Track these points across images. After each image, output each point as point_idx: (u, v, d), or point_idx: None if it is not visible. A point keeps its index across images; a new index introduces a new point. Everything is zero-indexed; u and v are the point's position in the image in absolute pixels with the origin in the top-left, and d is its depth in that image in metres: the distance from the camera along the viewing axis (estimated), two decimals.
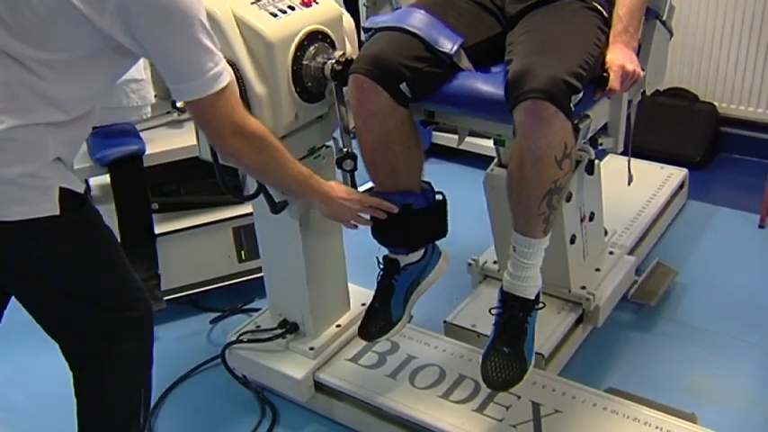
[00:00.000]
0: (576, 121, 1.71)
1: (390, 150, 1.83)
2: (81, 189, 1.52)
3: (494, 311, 1.81)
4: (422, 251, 1.97)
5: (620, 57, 1.73)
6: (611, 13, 1.83)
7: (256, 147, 1.61)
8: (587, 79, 1.68)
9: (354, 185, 1.93)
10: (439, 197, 1.95)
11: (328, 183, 1.81)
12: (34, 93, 1.40)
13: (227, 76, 1.51)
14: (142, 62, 2.32)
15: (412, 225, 1.93)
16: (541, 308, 1.82)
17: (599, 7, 1.84)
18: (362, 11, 3.39)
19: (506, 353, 1.76)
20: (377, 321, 1.96)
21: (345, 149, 1.91)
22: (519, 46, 1.74)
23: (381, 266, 1.97)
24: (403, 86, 1.75)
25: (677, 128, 3.24)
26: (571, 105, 1.61)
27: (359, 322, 2.00)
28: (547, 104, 1.58)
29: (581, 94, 1.64)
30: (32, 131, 1.40)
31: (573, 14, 1.81)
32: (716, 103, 3.26)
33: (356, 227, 1.90)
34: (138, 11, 1.37)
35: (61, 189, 1.46)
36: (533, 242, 1.74)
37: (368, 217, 1.87)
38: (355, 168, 1.91)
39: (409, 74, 1.74)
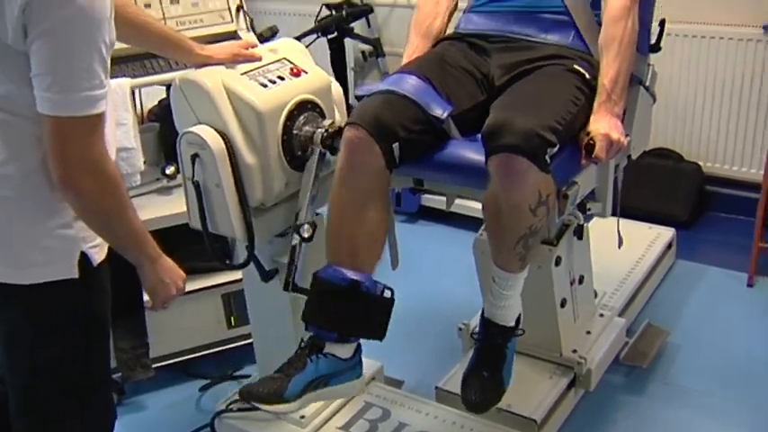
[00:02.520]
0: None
1: (363, 214, 1.79)
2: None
3: (475, 336, 1.88)
4: (351, 352, 1.81)
5: (605, 125, 1.76)
6: (593, 76, 1.87)
7: (103, 191, 1.43)
8: (565, 135, 1.72)
9: (295, 272, 1.85)
10: (388, 293, 1.80)
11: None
12: None
13: (104, 105, 1.39)
14: (132, 130, 2.35)
15: (351, 309, 1.77)
16: (521, 335, 1.90)
17: (581, 70, 1.88)
18: (350, 75, 3.47)
19: (486, 377, 1.86)
20: (270, 393, 1.75)
21: (306, 222, 1.85)
22: (498, 102, 1.78)
23: (302, 344, 1.81)
24: (395, 146, 1.76)
25: (663, 187, 3.28)
26: (546, 158, 1.65)
27: None
28: (521, 159, 1.62)
29: (556, 148, 1.68)
30: None
31: (553, 75, 1.86)
32: (700, 163, 3.30)
33: (166, 306, 1.70)
34: (42, 1, 1.28)
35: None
36: (511, 276, 1.83)
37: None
38: (311, 238, 1.83)
39: (403, 135, 1.76)
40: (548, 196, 1.69)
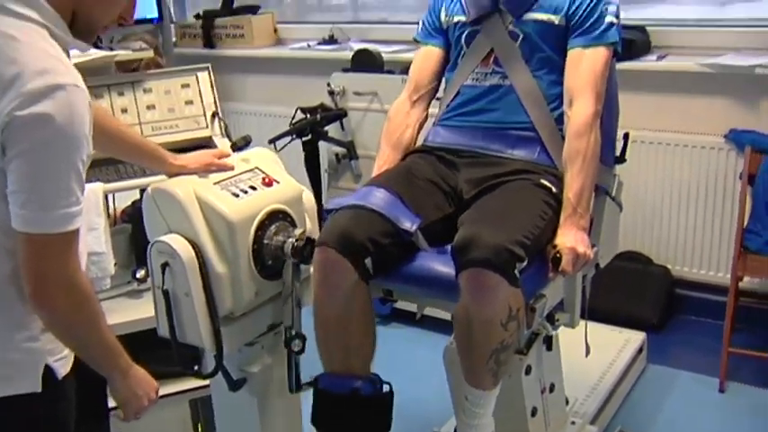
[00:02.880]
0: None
1: (348, 329, 1.85)
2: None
3: None
4: None
5: (571, 239, 1.80)
6: (559, 189, 1.92)
7: (76, 306, 1.42)
8: (533, 249, 1.75)
9: (297, 375, 1.90)
10: (386, 388, 1.90)
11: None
12: None
13: (80, 221, 1.39)
14: (103, 235, 2.35)
15: (356, 414, 1.88)
16: None
17: (547, 184, 1.92)
18: (324, 177, 3.51)
19: None
20: None
21: (294, 331, 1.87)
22: (467, 216, 1.81)
23: None
24: (367, 261, 1.80)
25: (633, 290, 3.30)
26: (515, 272, 1.68)
27: None
28: (490, 274, 1.64)
29: (525, 263, 1.70)
30: None
31: (521, 190, 1.91)
32: (669, 266, 3.34)
33: (138, 417, 1.69)
34: (20, 122, 1.29)
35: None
36: (484, 393, 1.83)
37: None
38: (302, 350, 1.87)
39: (373, 249, 1.80)
40: (518, 310, 1.72)
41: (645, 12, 3.65)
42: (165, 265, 1.78)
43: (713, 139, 3.12)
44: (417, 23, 2.32)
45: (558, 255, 1.78)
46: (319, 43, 3.89)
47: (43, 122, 1.29)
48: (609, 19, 2.00)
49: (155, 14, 2.88)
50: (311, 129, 3.27)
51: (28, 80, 1.30)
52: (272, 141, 3.20)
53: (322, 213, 2.07)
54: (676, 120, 3.20)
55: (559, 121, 2.02)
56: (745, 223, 2.97)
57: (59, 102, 1.30)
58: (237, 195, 1.83)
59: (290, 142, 3.25)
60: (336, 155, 3.44)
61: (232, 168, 1.91)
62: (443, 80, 2.23)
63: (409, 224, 1.84)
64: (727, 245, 3.18)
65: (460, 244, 1.69)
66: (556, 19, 2.02)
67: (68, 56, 1.48)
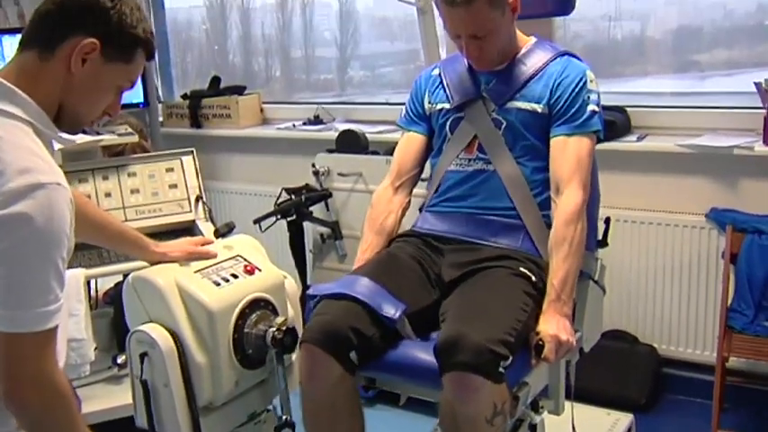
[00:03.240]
0: (514, 389, 1.74)
1: (336, 418, 1.85)
2: None
3: None
4: None
5: (553, 326, 1.80)
6: (540, 278, 1.92)
7: (52, 406, 1.40)
8: (517, 344, 1.75)
9: None
10: None
11: None
12: None
13: (58, 318, 1.39)
14: (84, 321, 2.33)
15: None
16: None
17: (527, 273, 1.93)
18: (309, 256, 3.51)
19: None
20: None
21: (285, 417, 1.86)
22: (449, 312, 1.81)
23: None
24: (352, 355, 1.80)
25: (619, 370, 3.27)
26: (500, 370, 1.67)
27: None
28: (474, 376, 1.64)
29: (509, 360, 1.70)
30: None
31: (501, 282, 1.90)
32: (656, 345, 3.32)
33: None
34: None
35: None
36: None
37: None
38: None
39: (358, 342, 1.80)
40: (503, 404, 1.71)
41: (626, 85, 3.74)
42: (143, 355, 1.76)
43: (695, 218, 3.14)
44: (402, 104, 2.36)
45: (540, 342, 1.77)
46: (304, 123, 3.93)
47: (22, 222, 1.30)
48: (591, 107, 2.03)
49: (140, 99, 2.91)
50: (296, 209, 3.28)
51: (9, 179, 1.31)
52: (257, 222, 3.20)
53: (306, 296, 2.07)
54: (658, 199, 3.23)
55: (543, 206, 2.04)
56: (729, 302, 2.97)
57: (39, 201, 1.31)
58: (219, 284, 1.83)
59: (274, 223, 3.26)
60: (321, 235, 3.45)
61: (215, 256, 1.91)
62: (429, 165, 2.25)
63: (393, 311, 1.84)
64: (712, 323, 3.17)
65: (443, 346, 1.69)
66: (539, 108, 2.05)
67: (52, 149, 1.49)
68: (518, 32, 2.14)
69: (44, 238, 1.33)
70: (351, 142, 3.48)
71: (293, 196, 3.31)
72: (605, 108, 2.16)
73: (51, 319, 1.36)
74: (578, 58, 2.13)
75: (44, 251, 1.33)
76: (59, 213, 1.34)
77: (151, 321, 1.79)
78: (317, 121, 3.91)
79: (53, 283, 1.35)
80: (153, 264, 1.87)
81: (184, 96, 4.28)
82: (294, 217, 3.31)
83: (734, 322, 2.92)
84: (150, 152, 3.01)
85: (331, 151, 3.52)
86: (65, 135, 1.56)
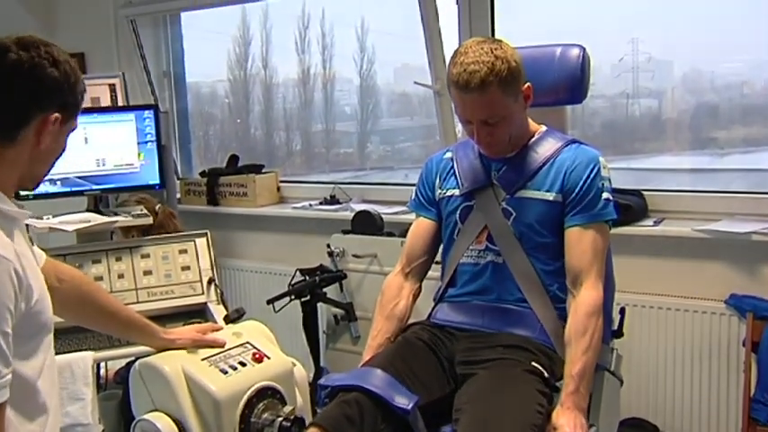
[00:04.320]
0: None
1: None
2: None
3: None
4: None
5: (570, 422, 1.76)
6: (551, 371, 1.89)
7: None
8: None
9: None
10: None
11: None
12: None
13: (7, 393, 1.38)
14: (90, 405, 2.30)
15: None
16: None
17: (539, 368, 1.89)
18: (322, 338, 3.47)
19: None
20: None
21: None
22: (464, 416, 1.76)
23: None
24: None
25: None
26: None
27: None
28: None
29: None
30: None
31: (514, 381, 1.86)
32: None
33: None
34: None
35: None
36: None
37: None
38: None
39: None
40: None
41: (645, 162, 3.74)
42: None
43: (713, 304, 3.09)
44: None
45: None
46: (321, 203, 3.94)
47: None
48: (605, 195, 2.02)
49: (157, 181, 2.94)
50: (310, 290, 3.26)
51: None
52: (271, 302, 3.18)
53: (317, 386, 2.03)
54: (676, 284, 3.18)
55: (555, 300, 2.01)
56: (752, 392, 2.89)
57: None
58: (226, 372, 1.81)
59: (288, 303, 3.24)
60: (335, 316, 3.42)
61: (223, 344, 1.89)
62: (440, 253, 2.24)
63: (406, 402, 1.80)
64: (735, 414, 3.08)
65: None
66: (550, 196, 2.04)
67: (17, 224, 1.50)
68: (530, 120, 2.14)
69: None
70: (366, 223, 3.48)
71: (307, 277, 3.30)
72: (622, 192, 2.15)
73: (1, 393, 1.34)
74: (588, 146, 2.12)
75: None
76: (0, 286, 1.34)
77: (156, 410, 1.77)
78: (333, 200, 3.92)
79: None
80: (161, 350, 1.86)
81: (202, 174, 4.33)
82: (308, 298, 3.29)
83: (758, 414, 2.84)
84: (179, 227, 3.02)
85: (346, 232, 3.52)
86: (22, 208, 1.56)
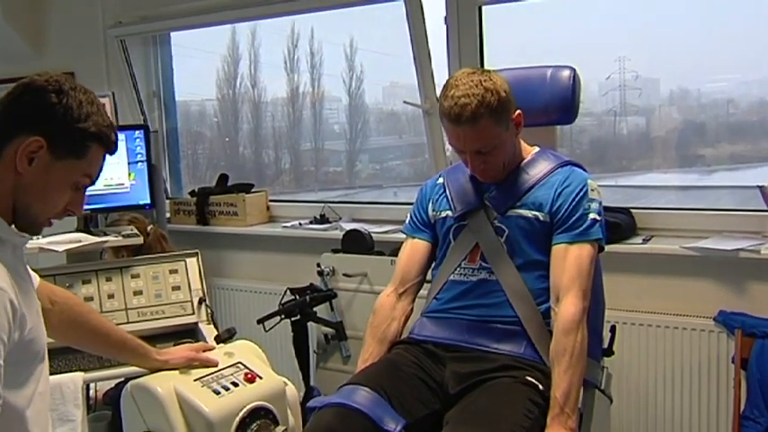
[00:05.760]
0: None
1: None
2: None
3: None
4: None
5: None
6: (546, 386, 1.89)
7: None
8: None
9: None
10: None
11: None
12: None
13: None
14: (80, 427, 2.28)
15: None
16: None
17: (534, 381, 1.89)
18: (312, 357, 3.46)
19: None
20: None
21: None
22: (452, 418, 1.79)
23: None
24: None
25: None
26: None
27: None
28: None
29: None
30: None
31: (506, 387, 1.88)
32: None
33: None
34: None
35: None
36: None
37: None
38: None
39: None
40: None
41: (633, 179, 3.76)
42: None
43: (702, 321, 3.10)
44: (410, 204, 2.37)
45: None
46: (311, 222, 3.94)
47: None
48: (592, 216, 2.03)
49: (147, 200, 2.94)
50: (300, 310, 3.25)
51: None
52: (261, 321, 3.17)
53: (309, 395, 2.03)
54: (664, 301, 3.19)
55: (546, 315, 2.02)
56: (742, 409, 2.90)
57: None
58: (218, 392, 1.81)
59: (278, 323, 3.23)
60: (325, 335, 3.41)
61: (216, 364, 1.89)
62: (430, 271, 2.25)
63: (394, 424, 1.81)
64: (725, 430, 3.09)
65: None
66: (540, 215, 2.06)
67: (18, 252, 1.49)
68: (522, 142, 2.16)
69: None
70: (356, 242, 3.49)
71: (298, 296, 3.29)
72: (611, 210, 2.16)
73: None
74: (582, 168, 2.14)
75: None
76: None
77: (149, 431, 1.76)
78: (323, 219, 3.92)
79: None
80: (153, 371, 1.85)
81: (192, 193, 4.32)
82: (298, 317, 3.28)
83: (748, 430, 2.84)
84: (168, 250, 3.01)
85: (336, 251, 3.52)
86: (24, 234, 1.53)
